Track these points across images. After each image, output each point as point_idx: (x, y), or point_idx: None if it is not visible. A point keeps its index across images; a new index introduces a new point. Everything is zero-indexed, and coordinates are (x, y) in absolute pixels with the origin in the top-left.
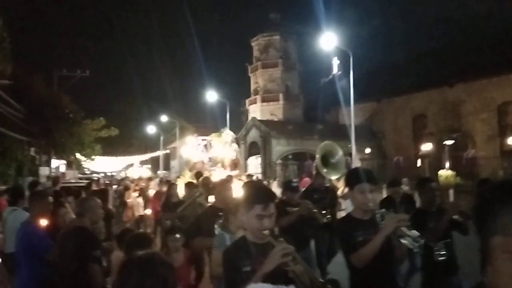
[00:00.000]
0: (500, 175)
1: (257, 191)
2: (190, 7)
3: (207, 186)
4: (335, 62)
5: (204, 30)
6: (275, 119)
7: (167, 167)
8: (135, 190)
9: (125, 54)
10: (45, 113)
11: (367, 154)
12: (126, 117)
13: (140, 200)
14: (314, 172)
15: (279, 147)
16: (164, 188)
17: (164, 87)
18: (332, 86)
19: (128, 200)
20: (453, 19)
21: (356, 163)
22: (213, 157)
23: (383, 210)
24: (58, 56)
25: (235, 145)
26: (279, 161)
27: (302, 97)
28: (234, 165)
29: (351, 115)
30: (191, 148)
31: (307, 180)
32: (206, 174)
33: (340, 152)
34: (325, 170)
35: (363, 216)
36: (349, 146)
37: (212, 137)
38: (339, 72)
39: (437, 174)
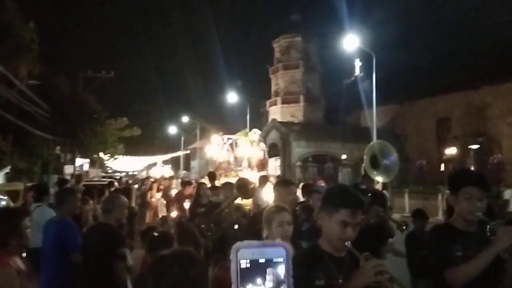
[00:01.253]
0: None
1: (345, 193)
2: (213, 9)
3: (244, 188)
4: (357, 63)
5: (225, 31)
6: (296, 120)
7: (187, 168)
8: (158, 190)
9: (148, 56)
10: (70, 113)
11: None
12: (148, 117)
13: (163, 200)
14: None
15: (299, 149)
16: (186, 189)
17: (186, 88)
18: (353, 88)
19: (152, 200)
20: (479, 21)
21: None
22: (239, 157)
23: (494, 222)
24: (84, 57)
25: (262, 145)
26: (298, 163)
27: (323, 99)
28: (262, 165)
29: (373, 118)
30: (216, 147)
31: (320, 183)
32: (232, 175)
33: (394, 153)
34: (375, 172)
35: (467, 228)
36: None
37: (238, 136)
38: (361, 74)
39: None
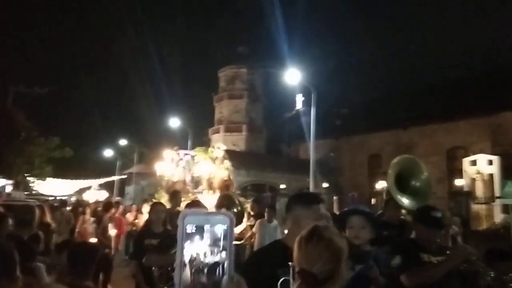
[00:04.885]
0: (447, 215)
1: None
2: (159, 33)
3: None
4: (299, 98)
5: (170, 56)
6: (237, 149)
7: (121, 193)
8: (93, 215)
9: (87, 76)
10: None
11: (324, 188)
12: (82, 139)
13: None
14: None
15: (239, 178)
16: (110, 213)
17: (125, 111)
18: (295, 121)
19: (84, 226)
20: (410, 67)
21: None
22: (197, 176)
23: None
24: (16, 71)
25: (227, 162)
26: (238, 192)
27: (265, 130)
28: (226, 187)
29: (310, 150)
30: (170, 163)
31: None
32: (189, 197)
33: (425, 172)
34: (403, 198)
35: None
36: (307, 180)
37: (197, 152)
38: (303, 108)
39: None
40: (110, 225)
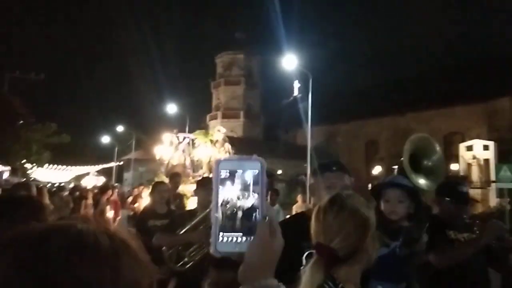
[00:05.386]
0: None
1: None
2: (155, 17)
3: None
4: (296, 84)
5: (167, 42)
6: (235, 135)
7: (120, 179)
8: (94, 202)
9: (84, 62)
10: None
11: None
12: (80, 125)
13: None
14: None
15: None
16: (105, 195)
17: (123, 97)
18: (292, 107)
19: (86, 211)
20: (405, 53)
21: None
22: (197, 160)
23: None
24: (13, 57)
25: (228, 146)
26: None
27: (262, 116)
28: None
29: (308, 136)
30: (169, 147)
31: None
32: (189, 181)
33: (438, 151)
34: (419, 178)
35: None
36: (305, 165)
37: (197, 135)
38: (300, 95)
39: None
40: (107, 208)
